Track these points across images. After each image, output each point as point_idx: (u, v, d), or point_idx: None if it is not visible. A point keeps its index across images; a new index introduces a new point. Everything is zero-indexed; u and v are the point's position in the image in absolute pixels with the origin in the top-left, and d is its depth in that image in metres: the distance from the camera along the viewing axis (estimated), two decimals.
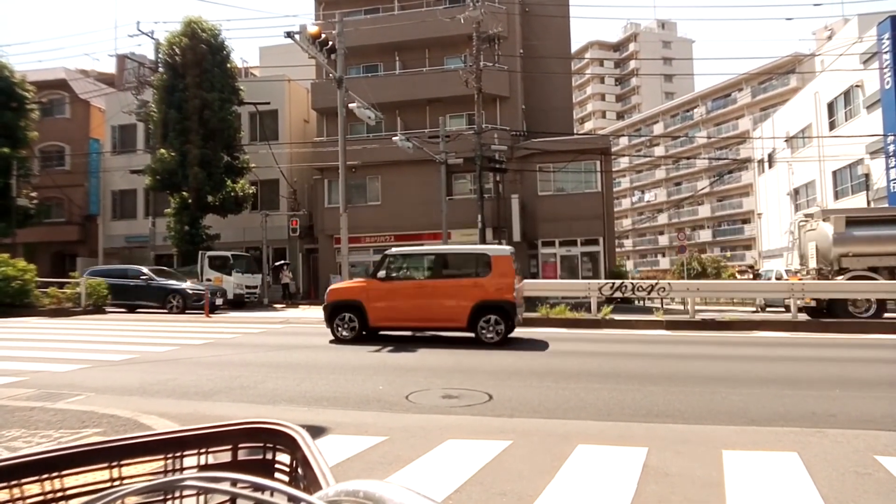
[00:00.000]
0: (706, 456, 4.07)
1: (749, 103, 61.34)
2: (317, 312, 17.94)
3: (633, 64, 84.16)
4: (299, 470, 0.89)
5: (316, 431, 4.64)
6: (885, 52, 23.82)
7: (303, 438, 0.90)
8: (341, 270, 17.42)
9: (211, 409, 5.51)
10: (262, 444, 0.96)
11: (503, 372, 7.57)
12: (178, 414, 5.17)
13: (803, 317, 14.30)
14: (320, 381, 6.83)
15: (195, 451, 0.96)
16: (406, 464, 3.88)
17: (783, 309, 19.94)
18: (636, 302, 23.60)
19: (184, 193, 25.44)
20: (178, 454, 0.94)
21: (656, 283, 15.01)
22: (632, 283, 15.29)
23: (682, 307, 20.82)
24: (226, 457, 0.98)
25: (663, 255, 69.62)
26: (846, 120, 28.34)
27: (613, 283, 15.35)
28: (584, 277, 24.63)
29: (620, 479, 3.60)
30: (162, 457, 0.94)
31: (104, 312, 18.54)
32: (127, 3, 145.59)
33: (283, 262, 27.45)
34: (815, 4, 35.51)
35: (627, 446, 4.29)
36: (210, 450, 0.96)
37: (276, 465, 0.95)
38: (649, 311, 18.57)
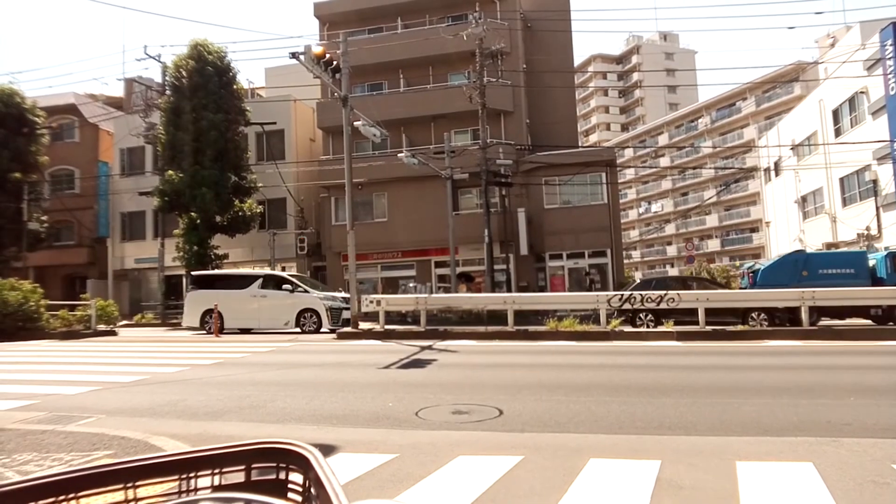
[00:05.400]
0: (720, 468, 4.03)
1: (753, 112, 61.38)
2: (325, 330, 17.94)
3: (636, 76, 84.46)
4: (312, 490, 0.90)
5: (326, 450, 4.62)
6: (889, 59, 23.81)
7: (316, 458, 0.90)
8: (349, 288, 17.41)
9: (221, 430, 5.51)
10: (275, 465, 0.97)
11: (513, 386, 7.54)
12: (188, 435, 5.17)
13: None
14: (329, 399, 6.82)
15: (209, 472, 0.96)
16: (417, 481, 3.86)
17: None
18: None
19: (192, 214, 25.59)
20: (191, 475, 0.95)
21: (665, 294, 14.93)
22: (641, 295, 15.21)
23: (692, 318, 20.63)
24: (239, 477, 0.99)
25: (672, 266, 69.29)
26: (852, 126, 28.27)
27: (622, 295, 15.29)
28: (592, 289, 24.55)
29: (633, 492, 3.57)
30: (176, 478, 0.95)
31: (114, 334, 18.61)
32: (134, 28, 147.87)
33: None
34: (817, 13, 35.57)
35: (640, 459, 4.25)
36: (223, 470, 0.97)
37: (290, 486, 0.96)
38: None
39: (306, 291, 17.12)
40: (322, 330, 16.91)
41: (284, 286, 17.03)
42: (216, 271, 20.53)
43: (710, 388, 7.15)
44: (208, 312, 17.25)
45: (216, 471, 0.96)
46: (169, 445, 4.66)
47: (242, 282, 17.78)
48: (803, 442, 4.64)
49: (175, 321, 25.54)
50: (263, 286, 17.24)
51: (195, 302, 17.77)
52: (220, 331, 17.20)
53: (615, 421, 5.53)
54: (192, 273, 19.80)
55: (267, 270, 18.66)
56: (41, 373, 9.73)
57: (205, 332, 17.42)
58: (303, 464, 0.93)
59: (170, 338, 17.71)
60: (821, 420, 5.37)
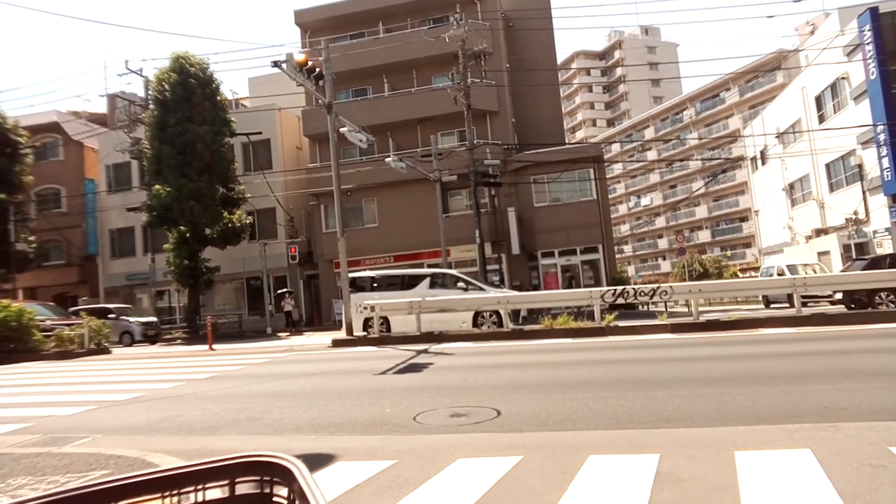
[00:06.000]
0: (718, 458, 4.03)
1: (737, 102, 61.82)
2: (321, 339, 17.90)
3: (619, 71, 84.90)
4: (297, 502, 0.89)
5: (324, 459, 4.60)
6: (868, 44, 24.03)
7: (299, 470, 0.89)
8: (342, 295, 17.32)
9: (218, 444, 5.46)
10: (259, 478, 0.96)
11: (510, 386, 7.53)
12: (185, 450, 5.12)
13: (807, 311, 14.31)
14: (326, 408, 6.79)
15: (193, 488, 0.95)
16: (416, 486, 3.84)
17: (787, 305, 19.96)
18: (640, 307, 23.59)
19: (181, 228, 25.48)
20: (175, 492, 0.94)
21: (658, 287, 14.98)
22: (633, 289, 15.24)
23: (685, 310, 20.76)
24: (224, 492, 0.97)
25: (664, 259, 69.69)
26: (835, 112, 28.51)
27: (615, 290, 15.31)
28: (585, 285, 24.63)
29: (633, 487, 3.56)
30: (159, 495, 0.93)
31: (108, 352, 18.47)
32: (115, 43, 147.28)
33: (285, 290, 27.45)
34: (795, 0, 35.79)
35: (639, 454, 4.25)
36: (208, 486, 0.96)
37: (274, 499, 0.95)
38: (653, 315, 18.51)
39: (481, 289, 16.12)
40: (503, 329, 15.19)
41: (458, 284, 15.96)
42: (376, 271, 18.90)
43: (705, 379, 7.17)
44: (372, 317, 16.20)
45: (200, 486, 0.95)
46: (166, 462, 4.62)
47: (407, 282, 16.66)
48: (800, 429, 4.65)
49: (169, 336, 25.42)
50: (432, 286, 16.18)
51: (354, 306, 16.65)
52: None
53: (613, 416, 5.53)
54: (350, 275, 18.00)
55: (434, 269, 17.32)
56: (35, 395, 9.63)
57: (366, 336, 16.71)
58: (287, 476, 0.91)
59: (164, 353, 17.60)
60: (817, 406, 5.38)
